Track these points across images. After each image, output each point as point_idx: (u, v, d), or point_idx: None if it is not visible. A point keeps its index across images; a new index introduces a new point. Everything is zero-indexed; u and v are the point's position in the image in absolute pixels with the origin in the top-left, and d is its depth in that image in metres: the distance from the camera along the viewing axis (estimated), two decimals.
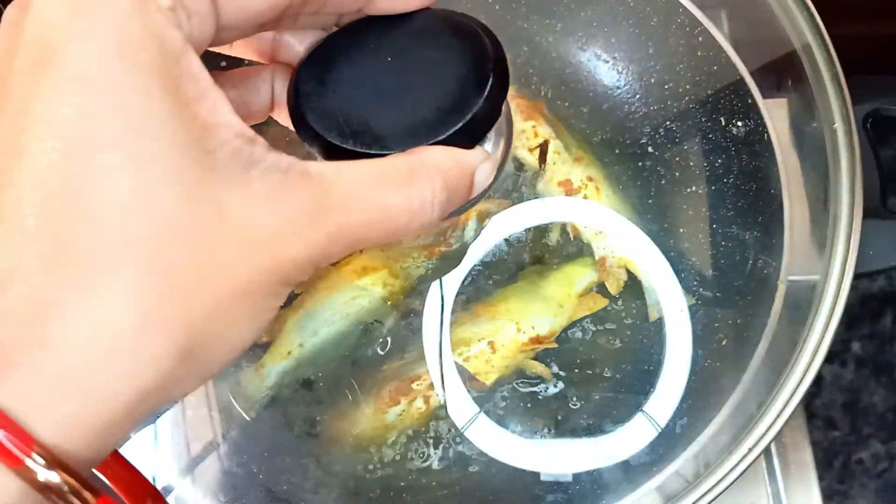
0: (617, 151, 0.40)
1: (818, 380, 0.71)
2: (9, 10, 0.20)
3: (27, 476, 0.18)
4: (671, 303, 0.34)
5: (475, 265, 0.36)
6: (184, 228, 0.19)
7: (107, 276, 0.18)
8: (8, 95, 0.19)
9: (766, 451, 0.55)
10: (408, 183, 0.22)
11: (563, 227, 0.37)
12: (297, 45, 0.26)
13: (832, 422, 0.69)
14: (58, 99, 0.19)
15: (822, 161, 0.40)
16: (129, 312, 0.18)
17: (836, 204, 0.39)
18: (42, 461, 0.18)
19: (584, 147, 0.40)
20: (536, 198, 0.38)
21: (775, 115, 0.42)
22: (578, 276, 0.36)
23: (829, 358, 0.71)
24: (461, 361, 0.35)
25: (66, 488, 0.18)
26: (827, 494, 0.65)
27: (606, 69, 0.41)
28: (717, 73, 0.42)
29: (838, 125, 0.40)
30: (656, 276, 0.35)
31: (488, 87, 0.24)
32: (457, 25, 0.26)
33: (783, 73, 0.47)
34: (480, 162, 0.24)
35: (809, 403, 0.69)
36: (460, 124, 0.24)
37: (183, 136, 0.19)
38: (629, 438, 0.32)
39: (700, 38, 0.42)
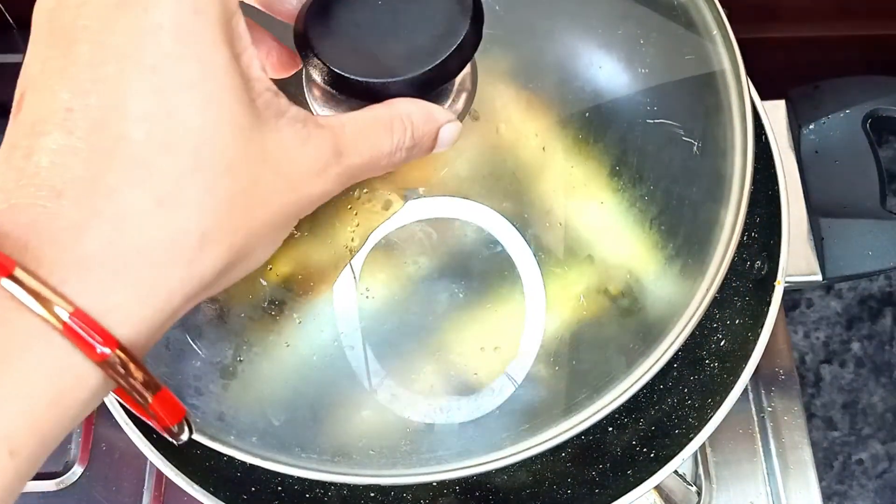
0: (616, 150, 0.40)
1: (817, 380, 0.71)
2: None
3: (104, 365, 0.21)
4: (528, 278, 0.38)
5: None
6: (238, 164, 0.22)
7: (176, 199, 0.21)
8: (88, 29, 0.21)
9: (768, 452, 0.55)
10: (389, 130, 0.26)
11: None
12: None
13: (832, 422, 0.69)
14: (140, 43, 0.21)
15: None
16: (192, 230, 0.21)
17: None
18: (117, 353, 0.20)
19: (582, 146, 0.40)
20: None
21: (773, 116, 0.42)
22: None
23: (829, 358, 0.71)
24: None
25: (130, 373, 0.21)
26: (826, 495, 0.65)
27: (606, 69, 0.41)
28: (716, 73, 0.42)
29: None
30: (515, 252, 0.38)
31: (472, 12, 0.27)
32: None
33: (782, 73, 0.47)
34: (447, 121, 0.27)
35: (809, 404, 0.69)
36: (454, 47, 0.27)
37: (237, 84, 0.22)
38: (494, 394, 0.38)
39: (699, 38, 0.42)
